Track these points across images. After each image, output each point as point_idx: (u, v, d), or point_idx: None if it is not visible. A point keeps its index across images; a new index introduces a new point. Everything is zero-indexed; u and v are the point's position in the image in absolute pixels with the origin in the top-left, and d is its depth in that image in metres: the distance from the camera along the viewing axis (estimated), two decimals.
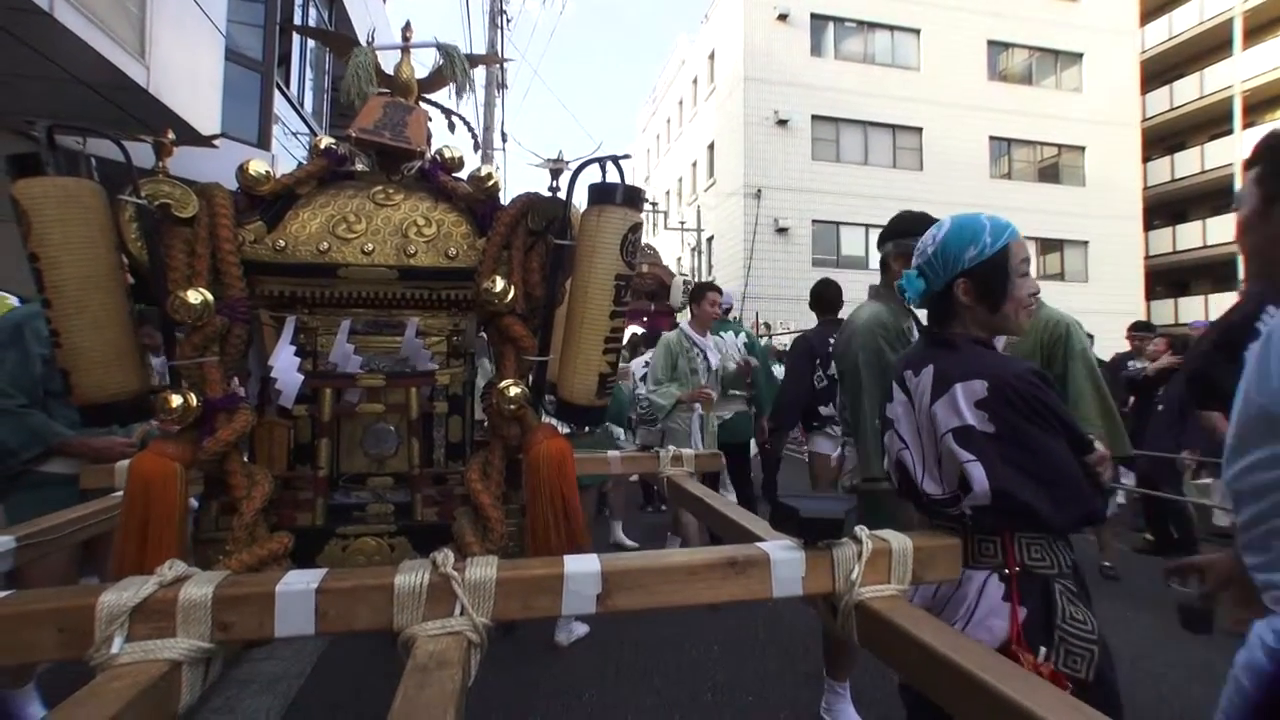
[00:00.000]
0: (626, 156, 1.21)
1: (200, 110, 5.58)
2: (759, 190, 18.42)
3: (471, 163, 1.33)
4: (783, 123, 18.96)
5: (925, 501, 1.40)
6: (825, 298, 4.32)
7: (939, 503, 1.36)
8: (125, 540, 1.01)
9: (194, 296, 1.05)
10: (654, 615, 3.74)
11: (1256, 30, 20.44)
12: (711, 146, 21.63)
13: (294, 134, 9.33)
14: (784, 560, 0.99)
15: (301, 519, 1.21)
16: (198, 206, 1.13)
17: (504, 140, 15.60)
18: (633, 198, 1.19)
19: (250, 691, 2.84)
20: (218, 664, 0.89)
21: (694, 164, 23.81)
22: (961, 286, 1.42)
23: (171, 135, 1.14)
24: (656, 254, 13.05)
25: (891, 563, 1.01)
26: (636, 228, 1.20)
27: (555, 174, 1.25)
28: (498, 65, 13.74)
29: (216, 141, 5.73)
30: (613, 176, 1.19)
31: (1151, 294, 22.05)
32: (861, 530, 1.02)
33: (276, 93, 8.45)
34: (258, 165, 1.19)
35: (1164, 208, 23.11)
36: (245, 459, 1.19)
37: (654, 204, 23.94)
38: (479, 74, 15.34)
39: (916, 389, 1.42)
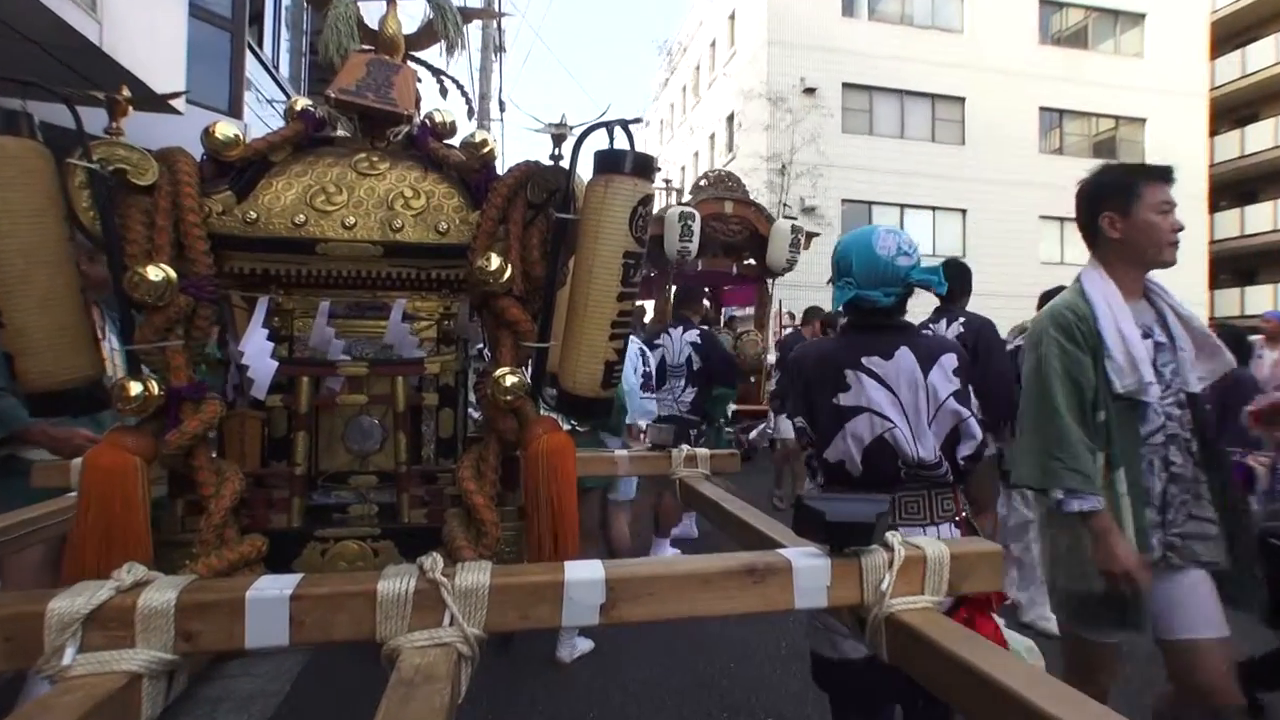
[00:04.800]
0: (637, 120, 1.20)
1: (162, 71, 5.54)
2: (783, 166, 18.33)
3: (466, 133, 1.32)
4: (810, 91, 18.86)
5: (907, 472, 1.82)
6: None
7: (928, 467, 1.81)
8: (80, 542, 1.01)
9: (154, 273, 1.04)
10: (665, 630, 3.75)
11: None
12: (731, 118, 21.56)
13: (269, 101, 9.34)
14: (807, 568, 0.98)
15: (276, 521, 1.21)
16: (158, 173, 1.12)
17: (502, 109, 15.59)
18: (643, 166, 1.17)
19: (223, 711, 2.87)
20: (182, 677, 0.89)
21: (711, 137, 23.74)
22: None
23: (126, 92, 1.13)
24: (741, 185, 9.83)
25: (926, 572, 1.00)
26: (647, 200, 1.18)
27: (557, 140, 1.24)
28: (495, 25, 13.69)
29: (181, 108, 5.69)
30: (621, 143, 1.18)
31: (1215, 282, 21.87)
32: (894, 536, 1.01)
33: (249, 54, 8.47)
34: (225, 128, 1.18)
35: (1231, 187, 22.86)
36: (214, 454, 1.19)
37: (668, 181, 23.89)
38: (474, 36, 15.25)
39: (894, 370, 1.83)
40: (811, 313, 8.06)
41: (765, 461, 8.65)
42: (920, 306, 2.16)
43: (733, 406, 8.45)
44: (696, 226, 8.37)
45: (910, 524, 1.83)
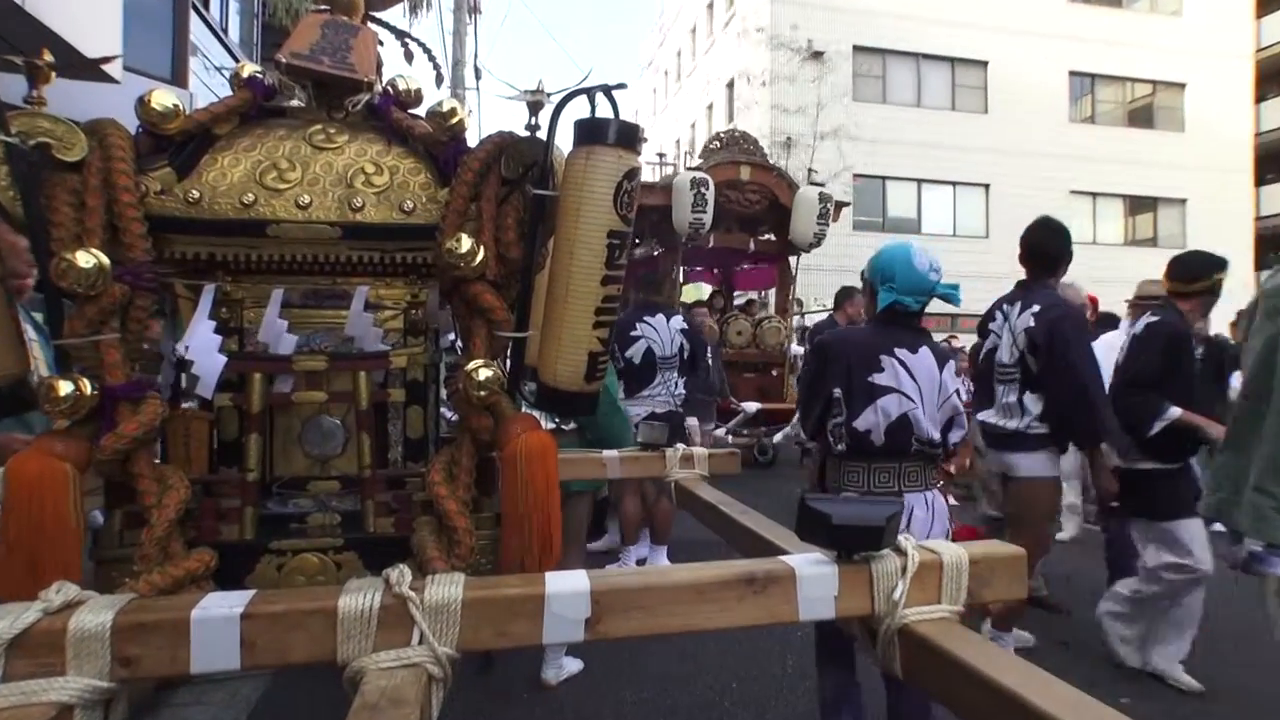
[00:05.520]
0: (621, 86, 1.20)
1: (95, 34, 5.47)
2: (789, 139, 18.31)
3: (434, 101, 1.32)
4: (818, 55, 18.84)
5: (917, 448, 2.37)
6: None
7: (933, 445, 2.40)
8: (8, 560, 1.00)
9: (85, 259, 1.03)
10: (660, 648, 3.76)
11: None
12: (731, 85, 21.52)
13: (217, 68, 9.27)
14: (812, 576, 0.98)
15: (227, 532, 1.21)
16: (87, 148, 1.11)
17: (478, 77, 15.52)
18: (628, 136, 1.17)
19: None
20: (121, 707, 0.89)
21: (709, 107, 23.71)
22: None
23: (49, 57, 1.12)
24: (759, 147, 9.56)
25: (943, 578, 1.00)
26: (633, 174, 1.18)
27: (534, 109, 1.24)
28: None
29: (118, 75, 5.61)
30: (605, 111, 1.18)
31: (1262, 262, 21.93)
32: (907, 540, 1.01)
33: (194, 17, 8.40)
34: (162, 97, 1.18)
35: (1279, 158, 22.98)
36: (156, 459, 1.18)
37: (661, 155, 23.79)
38: None
39: (916, 362, 2.39)
40: (843, 294, 7.75)
41: (789, 468, 8.40)
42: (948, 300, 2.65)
43: (756, 405, 8.36)
44: (711, 195, 8.09)
45: (912, 489, 2.39)
